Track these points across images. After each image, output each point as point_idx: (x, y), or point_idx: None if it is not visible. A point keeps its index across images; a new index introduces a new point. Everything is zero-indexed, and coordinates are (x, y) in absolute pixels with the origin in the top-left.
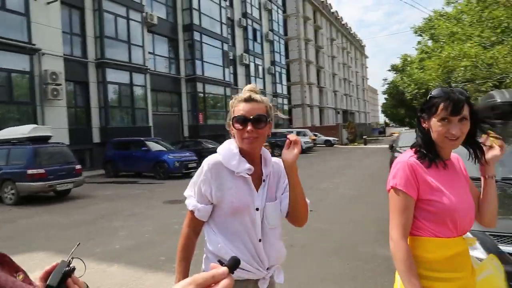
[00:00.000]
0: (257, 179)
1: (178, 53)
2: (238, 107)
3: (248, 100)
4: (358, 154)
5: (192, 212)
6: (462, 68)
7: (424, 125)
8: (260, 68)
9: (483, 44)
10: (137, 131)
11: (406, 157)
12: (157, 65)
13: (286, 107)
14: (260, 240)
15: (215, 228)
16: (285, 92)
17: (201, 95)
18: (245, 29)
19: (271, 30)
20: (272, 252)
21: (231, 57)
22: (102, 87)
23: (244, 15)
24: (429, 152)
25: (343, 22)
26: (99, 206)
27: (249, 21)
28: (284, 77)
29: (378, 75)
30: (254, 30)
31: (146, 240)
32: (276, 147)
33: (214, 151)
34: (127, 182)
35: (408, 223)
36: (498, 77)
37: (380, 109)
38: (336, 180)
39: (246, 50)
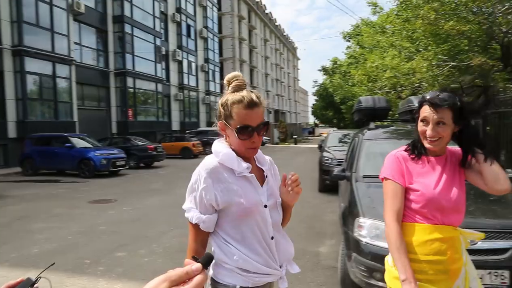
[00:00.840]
0: (258, 175)
1: (107, 45)
2: (239, 115)
3: (251, 106)
4: (289, 153)
5: (196, 225)
6: (385, 78)
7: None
8: (194, 65)
9: (402, 55)
10: (60, 127)
11: (397, 151)
12: (84, 56)
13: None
14: (272, 238)
15: (226, 236)
16: (218, 90)
17: (131, 90)
18: (178, 24)
19: (206, 27)
20: (282, 249)
21: (163, 53)
22: (19, 77)
23: (178, 10)
24: (417, 147)
25: (276, 24)
26: (15, 207)
27: (183, 17)
28: (217, 75)
29: (309, 77)
30: (188, 26)
31: (69, 243)
32: (208, 146)
33: (144, 148)
34: (48, 181)
35: (400, 208)
36: (416, 85)
37: (310, 110)
38: None
39: (180, 46)
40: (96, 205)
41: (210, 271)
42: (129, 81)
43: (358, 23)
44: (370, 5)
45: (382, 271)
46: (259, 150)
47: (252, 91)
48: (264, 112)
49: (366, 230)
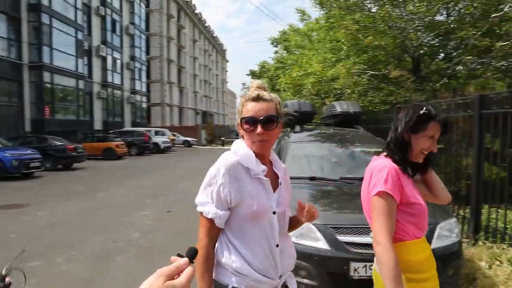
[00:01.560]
0: (272, 180)
1: (21, 35)
2: (246, 107)
3: (257, 99)
4: (216, 154)
5: (211, 220)
6: (309, 84)
7: (405, 136)
8: (119, 62)
9: (326, 62)
10: None
11: (388, 162)
12: None
13: (144, 105)
14: (277, 246)
15: (231, 236)
16: (144, 89)
17: (49, 86)
18: (103, 18)
19: (132, 23)
20: (286, 258)
21: (86, 47)
22: None
23: (103, 3)
24: (404, 160)
25: (206, 25)
26: None
27: (108, 11)
28: (144, 74)
29: (237, 79)
30: (114, 21)
31: None
32: (133, 146)
33: (62, 149)
34: None
35: (393, 227)
36: (338, 92)
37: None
38: (194, 180)
39: (104, 42)
40: (6, 210)
41: (214, 269)
42: (46, 75)
43: (285, 30)
44: (298, 12)
45: (307, 269)
46: (275, 155)
47: (264, 90)
48: (274, 110)
49: None
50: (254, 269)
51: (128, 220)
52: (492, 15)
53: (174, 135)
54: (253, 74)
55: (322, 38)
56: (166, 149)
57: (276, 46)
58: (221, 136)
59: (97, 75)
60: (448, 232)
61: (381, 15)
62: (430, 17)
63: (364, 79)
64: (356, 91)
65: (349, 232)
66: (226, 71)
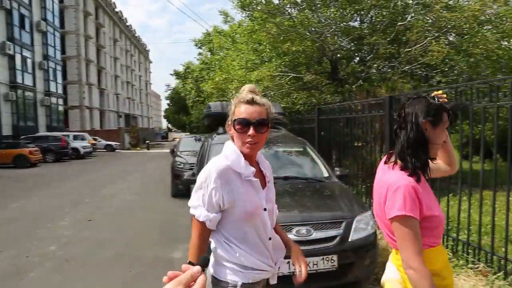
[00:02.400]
0: (260, 179)
1: None
2: (239, 109)
3: (251, 102)
4: (141, 159)
5: (202, 223)
6: (233, 89)
7: (426, 133)
8: (29, 61)
9: (249, 65)
10: None
11: (406, 179)
12: None
13: (61, 108)
14: (270, 239)
15: (228, 236)
16: (60, 91)
17: None
18: (8, 12)
19: (44, 19)
20: (277, 248)
21: None
22: None
23: None
24: (427, 161)
25: (127, 24)
26: None
27: (15, 4)
28: (59, 74)
29: (162, 81)
30: (22, 16)
31: None
32: (49, 153)
33: None
34: None
35: (421, 246)
36: (262, 93)
37: (163, 114)
38: (118, 186)
39: (10, 38)
40: None
41: (211, 270)
42: None
43: (209, 31)
44: (221, 14)
45: None
46: (261, 155)
47: (256, 94)
48: (265, 114)
49: None
50: (255, 262)
51: (43, 232)
52: (398, 24)
53: (95, 139)
54: (177, 75)
55: (245, 40)
56: (87, 155)
57: (200, 48)
58: (146, 139)
59: (3, 75)
60: (364, 224)
61: (300, 19)
62: (345, 23)
63: (286, 81)
64: (279, 93)
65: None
66: (150, 72)
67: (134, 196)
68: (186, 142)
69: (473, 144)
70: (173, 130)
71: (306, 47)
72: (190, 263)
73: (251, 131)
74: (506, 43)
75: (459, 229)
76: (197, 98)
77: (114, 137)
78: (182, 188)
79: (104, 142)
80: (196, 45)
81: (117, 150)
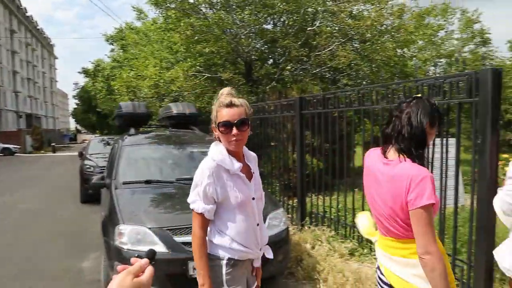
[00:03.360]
0: (246, 172)
1: None
2: (221, 113)
3: (230, 105)
4: (46, 163)
5: (201, 214)
6: (146, 87)
7: (426, 131)
8: None
9: (163, 64)
10: None
11: (425, 170)
12: None
13: None
14: (258, 225)
15: (221, 222)
16: None
17: None
18: None
19: None
20: (263, 235)
21: None
22: None
23: None
24: (423, 154)
25: (27, 14)
26: None
27: None
28: None
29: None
30: None
31: None
32: None
33: None
34: None
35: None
36: (176, 93)
37: (71, 114)
38: (18, 194)
39: None
40: None
41: (208, 246)
42: None
43: (122, 27)
44: (134, 10)
45: None
46: (246, 148)
47: (233, 96)
48: (244, 113)
49: (127, 236)
50: (242, 245)
51: None
52: (308, 29)
53: None
54: (86, 73)
55: (159, 38)
56: None
57: (112, 44)
58: (51, 141)
59: None
60: (277, 221)
61: (215, 20)
62: (259, 26)
63: (202, 81)
64: (193, 93)
65: (186, 232)
66: (55, 68)
67: (38, 204)
68: (96, 144)
69: (378, 143)
70: (82, 132)
71: (221, 48)
72: (138, 256)
73: (234, 131)
74: (401, 51)
75: None
76: (108, 97)
77: (14, 140)
78: (92, 193)
79: (1, 145)
80: (107, 40)
81: (17, 154)
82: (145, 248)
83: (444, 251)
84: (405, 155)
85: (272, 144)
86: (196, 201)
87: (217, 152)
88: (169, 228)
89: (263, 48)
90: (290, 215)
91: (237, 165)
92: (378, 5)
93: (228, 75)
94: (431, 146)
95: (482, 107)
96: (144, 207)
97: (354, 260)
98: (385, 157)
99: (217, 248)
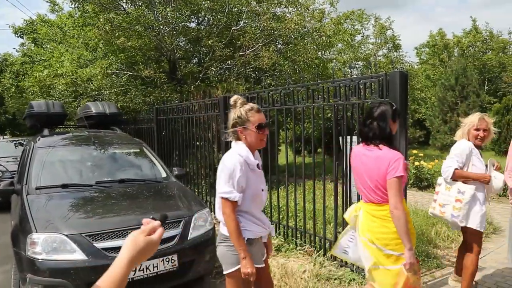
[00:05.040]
0: (258, 169)
1: None
2: (255, 117)
3: (259, 111)
4: None
5: (235, 202)
6: (62, 86)
7: (391, 126)
8: None
9: (80, 61)
10: None
11: (398, 153)
12: None
13: None
14: (263, 211)
15: (240, 208)
16: None
17: None
18: None
19: None
20: (267, 218)
21: None
22: None
23: None
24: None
25: None
26: None
27: None
28: None
29: None
30: None
31: None
32: None
33: None
34: None
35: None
36: (95, 93)
37: None
38: None
39: None
40: None
41: (224, 230)
42: None
43: (32, 19)
44: (47, 1)
45: (65, 286)
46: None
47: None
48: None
49: (41, 246)
50: (257, 225)
51: None
52: (233, 28)
53: None
54: None
55: (76, 33)
56: None
57: (21, 37)
58: None
59: None
60: (203, 221)
61: (136, 16)
62: (183, 23)
63: (123, 80)
64: (114, 92)
65: (108, 237)
66: None
67: None
68: (4, 147)
69: (304, 140)
70: None
71: (143, 45)
72: (153, 218)
73: (266, 131)
74: (321, 53)
75: (288, 217)
76: (18, 95)
77: None
78: (2, 201)
79: None
80: (16, 33)
81: None
82: (62, 257)
83: (408, 211)
84: (382, 145)
85: (198, 144)
86: (233, 191)
87: (242, 149)
88: (88, 234)
89: (187, 47)
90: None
91: (256, 161)
92: (299, 9)
93: (149, 73)
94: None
95: None
96: (61, 213)
97: (281, 255)
98: (367, 147)
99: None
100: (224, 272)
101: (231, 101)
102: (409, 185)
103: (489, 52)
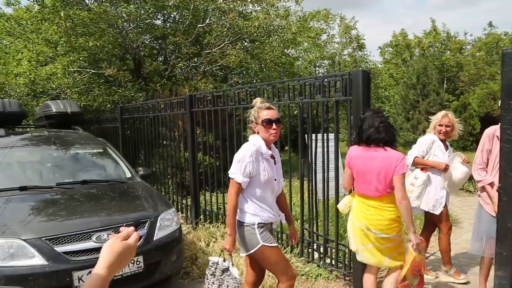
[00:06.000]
0: (271, 159)
1: None
2: (262, 113)
3: (268, 108)
4: None
5: (239, 184)
6: (19, 85)
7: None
8: None
9: (40, 58)
10: None
11: (402, 154)
12: None
13: None
14: (274, 199)
15: (251, 194)
16: None
17: None
18: None
19: None
20: (277, 207)
21: None
22: None
23: None
24: None
25: None
26: None
27: None
28: None
29: None
30: None
31: None
32: None
33: None
34: None
35: None
36: (55, 92)
37: None
38: None
39: None
40: None
41: (240, 217)
42: None
43: None
44: None
45: None
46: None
47: (269, 102)
48: (278, 114)
49: None
50: (266, 211)
51: None
52: (199, 26)
53: None
54: None
55: (34, 29)
56: None
57: None
58: None
59: None
60: (168, 222)
61: (99, 12)
62: (148, 20)
63: (85, 78)
64: (76, 90)
65: (69, 240)
66: None
67: None
68: None
69: None
70: None
71: (107, 43)
72: (126, 225)
73: (274, 126)
74: (288, 52)
75: None
76: None
77: None
78: None
79: None
80: None
81: None
82: (20, 262)
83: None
84: (388, 147)
85: (165, 143)
86: (237, 173)
87: (256, 139)
88: (49, 238)
89: (153, 44)
90: (184, 214)
91: (269, 151)
92: (265, 7)
93: (113, 71)
94: (313, 141)
95: (355, 104)
96: (19, 217)
97: None
98: (369, 149)
99: (248, 216)
100: (242, 255)
101: (253, 102)
102: None
103: (448, 52)
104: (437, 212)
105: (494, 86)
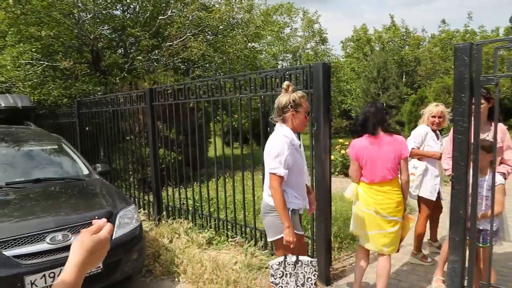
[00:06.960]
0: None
1: None
2: (305, 104)
3: (307, 99)
4: None
5: (281, 177)
6: None
7: None
8: None
9: None
10: None
11: (403, 137)
12: None
13: None
14: (305, 185)
15: (288, 182)
16: None
17: None
18: None
19: None
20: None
21: None
22: None
23: None
24: None
25: None
26: None
27: None
28: None
29: None
30: None
31: None
32: None
33: None
34: None
35: None
36: (5, 86)
37: None
38: None
39: None
40: None
41: (271, 201)
42: None
43: None
44: None
45: None
46: None
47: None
48: None
49: None
50: (300, 198)
51: None
52: (160, 17)
53: None
54: None
55: None
56: None
57: None
58: None
59: None
60: (128, 219)
61: (52, 0)
62: (106, 11)
63: (39, 70)
64: (28, 84)
65: (21, 243)
66: None
67: None
68: None
69: (236, 132)
70: None
71: (62, 33)
72: (97, 218)
73: (308, 116)
74: (251, 45)
75: (219, 209)
76: None
77: None
78: None
79: None
80: None
81: None
82: None
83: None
84: (389, 132)
85: (126, 138)
86: (279, 167)
87: (287, 131)
88: None
89: (112, 36)
90: (147, 211)
91: (299, 142)
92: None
93: (69, 64)
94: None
95: (316, 97)
96: None
97: (212, 248)
98: (374, 137)
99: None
100: (270, 239)
101: (284, 85)
102: (336, 173)
103: (406, 47)
104: (433, 198)
105: (449, 80)
